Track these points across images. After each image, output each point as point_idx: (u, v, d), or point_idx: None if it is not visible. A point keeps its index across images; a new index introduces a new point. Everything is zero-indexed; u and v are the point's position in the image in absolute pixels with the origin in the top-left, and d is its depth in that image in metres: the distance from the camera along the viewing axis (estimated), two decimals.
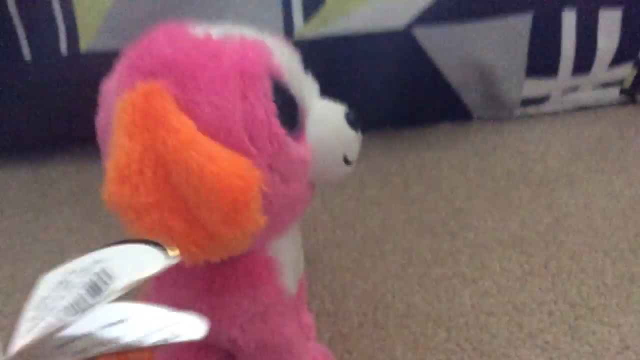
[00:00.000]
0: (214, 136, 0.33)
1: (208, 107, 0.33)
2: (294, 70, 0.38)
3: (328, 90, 0.75)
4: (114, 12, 0.67)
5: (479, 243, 0.61)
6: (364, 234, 0.63)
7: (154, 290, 0.42)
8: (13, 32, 0.69)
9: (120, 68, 0.36)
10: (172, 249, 0.21)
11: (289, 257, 0.41)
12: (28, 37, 0.69)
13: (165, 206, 0.32)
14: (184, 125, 0.32)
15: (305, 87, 0.39)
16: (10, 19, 0.68)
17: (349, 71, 0.74)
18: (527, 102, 0.81)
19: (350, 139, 0.39)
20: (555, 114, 0.82)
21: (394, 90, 0.77)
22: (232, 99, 0.33)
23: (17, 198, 0.72)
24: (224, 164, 0.31)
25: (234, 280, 0.38)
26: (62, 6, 0.67)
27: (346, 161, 0.40)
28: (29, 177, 0.75)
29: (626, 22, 0.76)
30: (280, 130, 0.35)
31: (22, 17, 0.69)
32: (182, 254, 0.33)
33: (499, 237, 0.62)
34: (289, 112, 0.37)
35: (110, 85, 0.36)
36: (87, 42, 0.69)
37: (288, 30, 0.70)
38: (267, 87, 0.34)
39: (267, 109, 0.34)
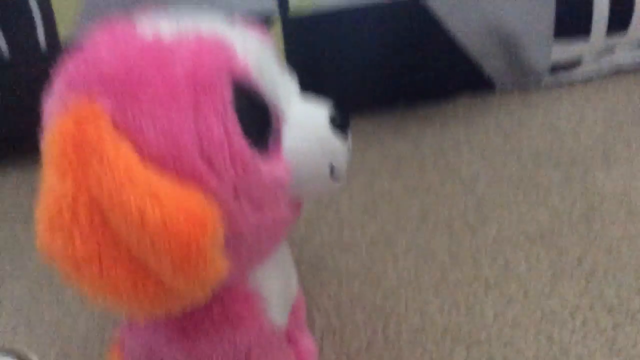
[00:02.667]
0: (162, 167, 0.27)
1: (153, 132, 0.27)
2: (266, 69, 0.31)
3: (333, 68, 0.68)
4: None
5: (503, 239, 0.54)
6: (374, 233, 0.57)
7: (127, 334, 0.37)
8: None
9: (57, 84, 0.30)
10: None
11: (275, 286, 0.36)
12: (5, 34, 0.64)
13: (107, 257, 0.26)
14: (122, 159, 0.26)
15: (282, 88, 0.32)
16: None
17: (356, 47, 0.67)
18: (556, 68, 0.72)
19: (336, 147, 0.33)
20: (588, 80, 0.73)
21: (405, 65, 0.69)
22: (182, 119, 0.27)
23: (3, 207, 0.68)
24: (170, 205, 0.26)
25: (209, 322, 0.33)
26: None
27: (333, 174, 0.33)
28: (18, 183, 0.71)
29: None
30: (246, 148, 0.29)
31: None
32: (132, 310, 0.28)
33: (526, 230, 0.55)
34: (259, 123, 0.30)
35: (49, 106, 0.30)
36: (66, 30, 0.64)
37: (283, 4, 0.63)
38: (226, 96, 0.28)
39: (227, 125, 0.28)
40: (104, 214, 0.26)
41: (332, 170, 0.33)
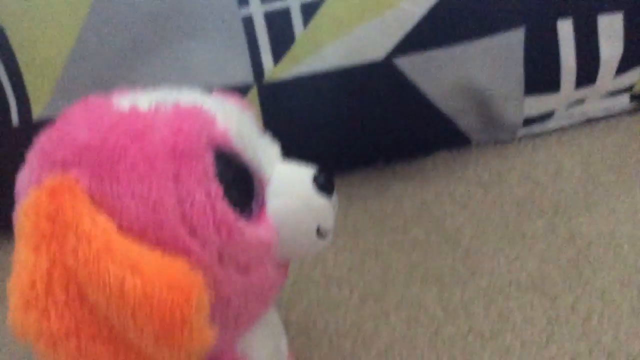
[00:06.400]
0: (142, 236, 0.26)
1: (131, 200, 0.27)
2: (246, 134, 0.32)
3: (309, 132, 0.69)
4: (66, 75, 0.62)
5: (494, 289, 0.54)
6: (362, 290, 0.56)
7: None
8: None
9: (30, 158, 0.30)
10: None
11: (264, 350, 0.34)
12: None
13: (84, 332, 0.25)
14: (99, 229, 0.25)
15: (263, 151, 0.33)
16: None
17: (330, 109, 0.68)
18: (529, 121, 0.74)
19: (321, 207, 0.33)
20: (562, 129, 0.75)
21: (381, 125, 0.70)
22: (162, 185, 0.27)
23: None
24: (151, 273, 0.25)
25: None
26: (9, 75, 0.62)
27: (320, 233, 0.33)
28: None
29: (629, 25, 0.69)
30: (229, 213, 0.29)
31: None
32: None
33: (516, 279, 0.54)
34: (241, 187, 0.30)
35: (22, 180, 0.30)
36: (41, 110, 0.64)
37: (258, 73, 0.64)
38: (208, 162, 0.28)
39: (209, 191, 0.28)
40: (80, 286, 0.25)
41: (318, 228, 0.33)
